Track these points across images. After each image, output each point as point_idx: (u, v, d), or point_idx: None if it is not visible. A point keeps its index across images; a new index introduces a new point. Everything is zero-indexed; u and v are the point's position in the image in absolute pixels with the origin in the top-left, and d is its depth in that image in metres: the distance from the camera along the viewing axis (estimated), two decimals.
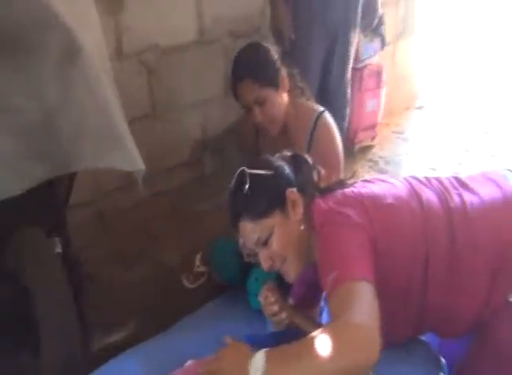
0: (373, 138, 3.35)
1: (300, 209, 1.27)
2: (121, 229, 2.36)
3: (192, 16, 2.45)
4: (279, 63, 1.76)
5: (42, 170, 1.22)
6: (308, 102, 1.88)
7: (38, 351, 1.38)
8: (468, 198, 1.24)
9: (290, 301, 1.47)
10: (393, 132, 3.55)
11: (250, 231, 1.27)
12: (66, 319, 1.45)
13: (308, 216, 1.27)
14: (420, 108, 3.91)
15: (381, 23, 2.79)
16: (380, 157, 3.24)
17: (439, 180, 1.31)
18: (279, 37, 2.33)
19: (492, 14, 4.46)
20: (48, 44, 1.16)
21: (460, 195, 1.25)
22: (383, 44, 2.95)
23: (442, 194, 1.25)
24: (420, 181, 1.30)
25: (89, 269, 1.82)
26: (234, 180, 1.31)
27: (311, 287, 1.42)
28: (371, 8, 2.60)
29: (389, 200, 1.21)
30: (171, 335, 1.64)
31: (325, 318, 1.63)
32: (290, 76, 1.80)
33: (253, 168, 1.29)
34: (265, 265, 1.29)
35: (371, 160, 3.21)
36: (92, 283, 1.83)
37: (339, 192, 1.28)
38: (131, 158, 1.37)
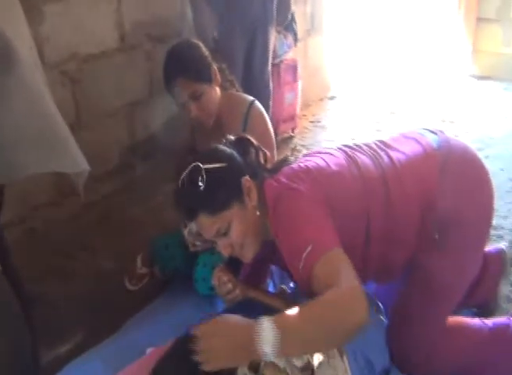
0: (293, 129, 3.48)
1: (254, 195, 1.31)
2: (55, 243, 2.30)
3: (111, 23, 2.45)
4: (209, 58, 1.82)
5: None
6: (239, 93, 1.97)
7: None
8: (395, 155, 1.41)
9: (240, 278, 1.55)
10: (311, 122, 3.73)
11: (209, 225, 1.29)
12: (18, 334, 1.42)
13: (261, 198, 1.32)
14: (332, 98, 4.12)
15: (293, 19, 2.93)
16: (302, 146, 3.39)
17: (367, 144, 1.47)
18: (202, 36, 2.39)
19: (393, 8, 4.79)
20: None
21: (387, 155, 1.41)
22: (296, 39, 3.08)
23: (373, 155, 1.41)
24: (352, 148, 1.44)
25: (28, 288, 1.79)
26: (186, 175, 1.30)
27: (259, 263, 1.51)
28: (284, 6, 2.72)
29: (333, 168, 1.33)
30: (127, 332, 1.67)
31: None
32: (220, 70, 1.87)
33: (203, 161, 1.28)
34: (225, 252, 1.33)
35: (294, 149, 3.33)
36: (34, 301, 1.80)
37: (286, 169, 1.35)
38: (75, 161, 1.36)
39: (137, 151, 2.76)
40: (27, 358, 1.46)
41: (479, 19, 4.33)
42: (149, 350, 1.47)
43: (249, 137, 1.43)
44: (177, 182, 2.06)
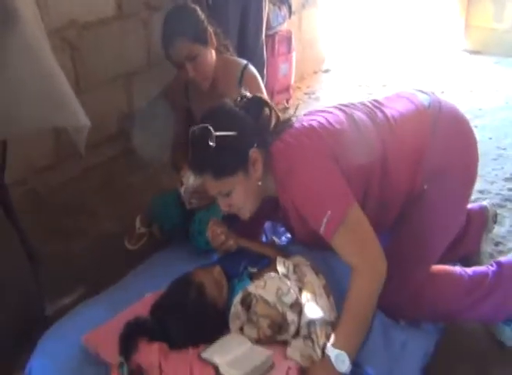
0: (288, 100, 3.53)
1: (259, 167, 1.37)
2: (56, 206, 2.37)
3: None
4: (206, 22, 1.87)
5: None
6: (233, 57, 2.02)
7: None
8: (389, 112, 1.49)
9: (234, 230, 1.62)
10: (305, 93, 3.77)
11: (212, 185, 1.38)
12: (27, 286, 1.52)
13: (268, 161, 1.38)
14: (326, 71, 4.16)
15: None
16: (297, 117, 3.44)
17: (362, 103, 1.54)
18: (197, 2, 2.42)
19: None
20: None
21: (382, 111, 1.49)
22: (290, 11, 3.13)
23: (369, 112, 1.48)
24: (348, 106, 1.51)
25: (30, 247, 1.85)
26: (196, 134, 1.32)
27: (257, 219, 1.57)
28: None
29: (336, 126, 1.41)
30: (125, 283, 1.74)
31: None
32: (215, 34, 1.91)
33: (215, 125, 1.30)
34: (224, 209, 1.42)
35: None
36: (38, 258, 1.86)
37: (291, 129, 1.42)
38: (76, 115, 1.41)
39: (135, 119, 2.79)
40: (35, 307, 1.56)
41: None
42: (147, 294, 1.55)
43: (264, 97, 1.48)
44: (174, 147, 2.10)
